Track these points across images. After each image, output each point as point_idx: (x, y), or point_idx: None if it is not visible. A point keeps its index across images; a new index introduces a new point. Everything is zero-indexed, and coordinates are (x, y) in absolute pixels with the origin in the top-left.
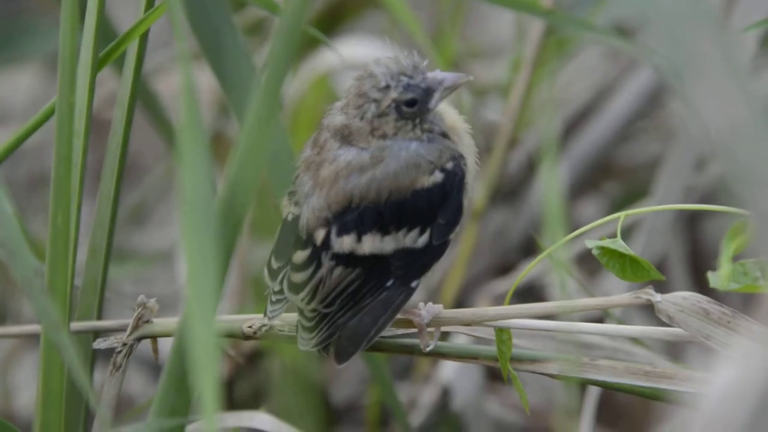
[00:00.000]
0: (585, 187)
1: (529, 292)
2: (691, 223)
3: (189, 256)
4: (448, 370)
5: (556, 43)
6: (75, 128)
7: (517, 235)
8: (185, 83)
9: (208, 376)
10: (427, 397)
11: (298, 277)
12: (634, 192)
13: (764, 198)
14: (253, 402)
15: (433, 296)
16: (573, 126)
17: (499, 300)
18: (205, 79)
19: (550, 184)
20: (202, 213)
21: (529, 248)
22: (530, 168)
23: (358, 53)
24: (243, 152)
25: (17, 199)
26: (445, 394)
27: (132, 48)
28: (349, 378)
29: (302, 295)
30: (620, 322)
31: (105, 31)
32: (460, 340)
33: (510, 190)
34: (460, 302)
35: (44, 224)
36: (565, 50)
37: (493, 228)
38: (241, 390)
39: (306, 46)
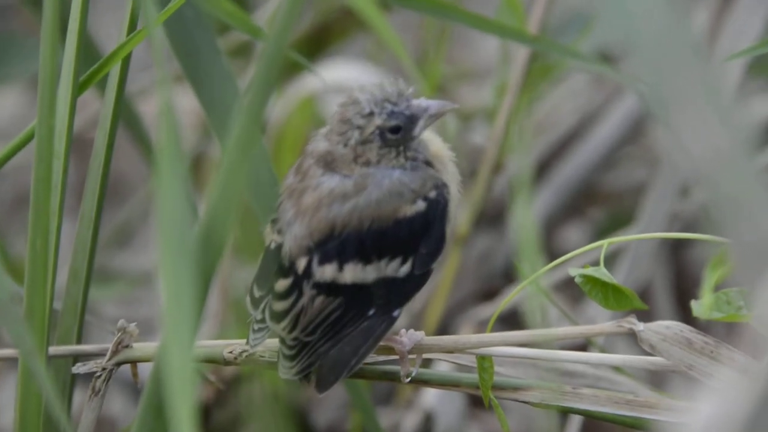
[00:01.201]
0: (569, 213)
1: (513, 318)
2: (675, 250)
3: (166, 282)
4: (430, 395)
5: (542, 68)
6: (55, 150)
7: (502, 261)
8: (164, 108)
9: (183, 403)
10: (409, 422)
11: (280, 305)
12: (619, 218)
13: (746, 227)
14: (232, 427)
15: (416, 322)
16: (558, 151)
17: (482, 326)
18: (189, 101)
19: (524, 216)
20: (180, 237)
21: (514, 274)
22: (515, 193)
23: (344, 76)
24: (224, 176)
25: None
26: (428, 420)
27: (114, 70)
28: (331, 403)
29: (283, 324)
30: (603, 350)
31: (88, 51)
32: (443, 367)
33: (494, 216)
34: (443, 328)
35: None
36: (551, 76)
37: (477, 253)
38: (221, 415)
39: (291, 68)
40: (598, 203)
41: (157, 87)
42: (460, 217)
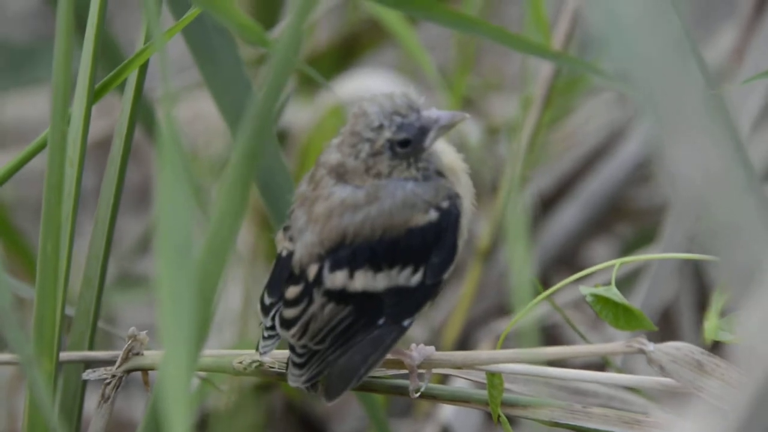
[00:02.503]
0: (596, 229)
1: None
2: (700, 268)
3: (164, 293)
4: (448, 410)
5: (567, 84)
6: (69, 156)
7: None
8: (167, 125)
9: (179, 418)
10: None
11: (290, 312)
12: (647, 234)
13: (739, 252)
14: None
15: (435, 336)
16: (586, 166)
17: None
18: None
19: (520, 255)
20: (181, 247)
21: (537, 290)
22: (541, 208)
23: (372, 86)
24: (230, 185)
25: (26, 223)
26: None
27: (132, 76)
28: (350, 414)
29: (293, 331)
30: (618, 370)
31: (111, 54)
32: (459, 383)
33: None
34: (463, 342)
35: None
36: (577, 91)
37: (500, 268)
38: (239, 424)
39: (323, 75)
40: (625, 219)
41: (162, 101)
42: (481, 230)
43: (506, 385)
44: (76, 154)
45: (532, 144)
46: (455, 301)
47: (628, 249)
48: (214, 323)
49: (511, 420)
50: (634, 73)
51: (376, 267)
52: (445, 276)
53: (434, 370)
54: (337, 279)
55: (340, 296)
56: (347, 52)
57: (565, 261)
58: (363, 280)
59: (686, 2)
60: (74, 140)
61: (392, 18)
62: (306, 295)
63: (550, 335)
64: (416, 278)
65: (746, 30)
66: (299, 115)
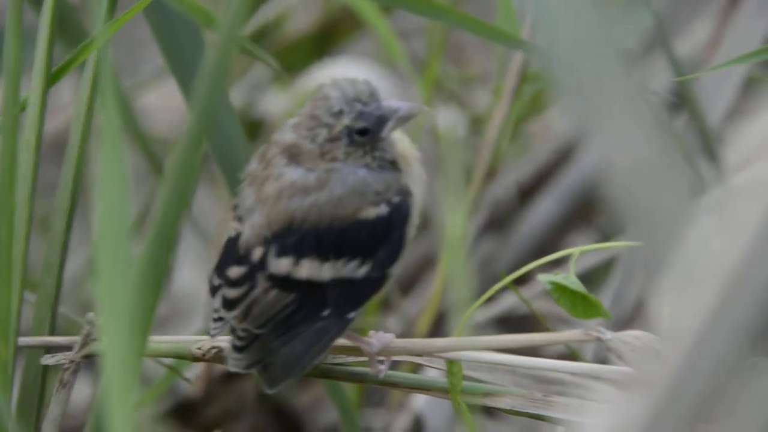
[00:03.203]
0: (574, 220)
1: (508, 322)
2: None
3: (103, 281)
4: (420, 399)
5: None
6: (26, 140)
7: (503, 265)
8: (106, 107)
9: (119, 411)
10: (400, 424)
11: (232, 293)
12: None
13: (660, 239)
14: (221, 425)
15: (409, 326)
16: (564, 157)
17: (478, 330)
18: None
19: (458, 265)
20: (119, 237)
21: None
22: (519, 197)
23: (348, 74)
24: (173, 176)
25: None
26: (418, 423)
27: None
28: (325, 403)
29: (235, 312)
30: (576, 356)
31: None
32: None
33: (496, 219)
34: (435, 333)
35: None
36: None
37: (479, 258)
38: (210, 412)
39: (298, 64)
40: (603, 211)
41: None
42: (456, 221)
43: (472, 373)
44: (32, 138)
45: (504, 135)
46: (429, 291)
47: (605, 240)
48: (182, 313)
49: (477, 408)
50: (559, 58)
51: (323, 257)
52: (392, 270)
53: (393, 358)
54: (282, 265)
55: (284, 283)
56: (324, 39)
57: (542, 252)
58: (308, 269)
59: None
60: (31, 123)
61: (365, 6)
62: (249, 278)
63: (526, 324)
64: (362, 271)
65: (721, 21)
66: (275, 102)
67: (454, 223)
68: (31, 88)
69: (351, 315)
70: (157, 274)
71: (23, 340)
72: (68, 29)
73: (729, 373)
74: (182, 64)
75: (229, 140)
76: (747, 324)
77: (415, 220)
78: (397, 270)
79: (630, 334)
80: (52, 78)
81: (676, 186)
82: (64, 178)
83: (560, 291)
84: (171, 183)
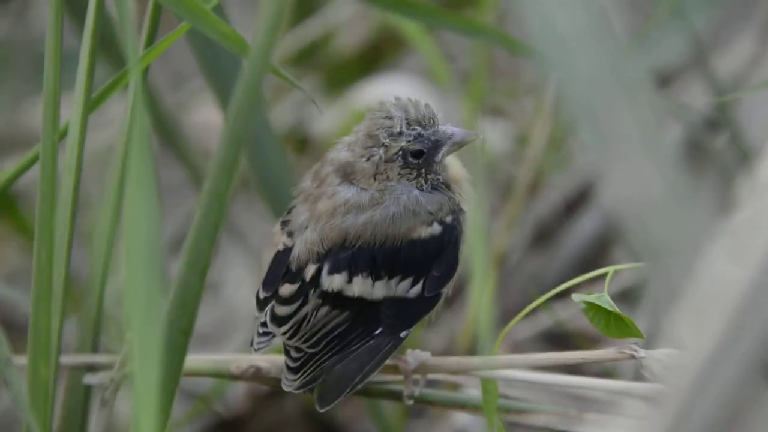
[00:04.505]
0: (618, 235)
1: (554, 338)
2: None
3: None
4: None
5: None
6: (68, 163)
7: (546, 280)
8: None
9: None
10: None
11: (283, 310)
12: None
13: (674, 265)
14: None
15: (451, 341)
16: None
17: (518, 346)
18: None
19: (482, 299)
20: (150, 260)
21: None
22: (565, 212)
23: (395, 90)
24: (207, 198)
25: None
26: None
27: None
28: (368, 420)
29: (284, 328)
30: (612, 375)
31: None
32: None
33: (540, 235)
34: (477, 347)
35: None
36: None
37: (525, 273)
38: (256, 427)
39: (347, 80)
40: None
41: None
42: (498, 235)
43: (508, 391)
44: (73, 162)
45: (547, 149)
46: (470, 307)
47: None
48: (228, 328)
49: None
50: (572, 89)
51: (376, 275)
52: (445, 290)
53: (429, 376)
54: (334, 282)
55: (335, 299)
56: (371, 56)
57: (588, 267)
58: (361, 287)
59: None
60: (71, 147)
61: (410, 26)
62: (301, 295)
63: (573, 340)
64: (415, 290)
65: (764, 37)
66: (322, 119)
67: (478, 254)
68: (72, 113)
69: (403, 333)
70: (192, 292)
71: (64, 359)
72: (113, 47)
73: (741, 396)
74: (222, 83)
75: (268, 159)
76: (758, 348)
77: (467, 240)
78: (449, 288)
79: (662, 352)
80: (93, 103)
81: (690, 218)
82: (107, 196)
83: (594, 310)
84: (205, 200)
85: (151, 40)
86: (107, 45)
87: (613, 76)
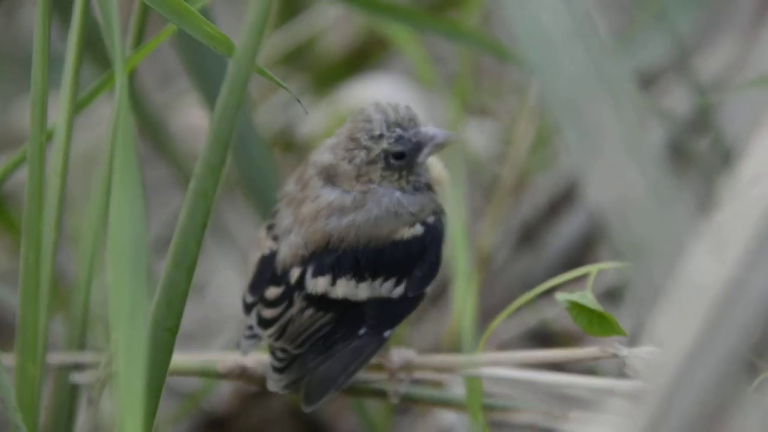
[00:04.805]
0: (604, 234)
1: (540, 336)
2: None
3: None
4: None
5: None
6: (54, 166)
7: (532, 280)
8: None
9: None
10: None
11: (269, 312)
12: None
13: (655, 264)
14: None
15: (437, 338)
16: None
17: (504, 345)
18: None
19: (464, 303)
20: (135, 260)
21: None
22: (550, 211)
23: (382, 92)
24: (192, 198)
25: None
26: None
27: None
28: (354, 418)
29: (270, 331)
30: (596, 372)
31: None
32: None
33: (525, 235)
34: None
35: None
36: None
37: (503, 271)
38: (242, 425)
39: (333, 81)
40: None
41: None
42: (483, 234)
43: (493, 389)
44: (59, 164)
45: (532, 148)
46: (456, 304)
47: None
48: (213, 327)
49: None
50: (555, 89)
51: (359, 276)
52: (427, 290)
53: (414, 375)
54: (318, 284)
55: (320, 302)
56: (357, 57)
57: (574, 265)
58: (344, 288)
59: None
60: (58, 149)
61: (396, 28)
62: (286, 298)
63: (559, 339)
64: (399, 290)
65: (747, 38)
66: (309, 120)
67: (460, 255)
68: (58, 115)
69: (387, 333)
70: (179, 291)
71: (51, 358)
72: (99, 49)
73: (721, 392)
74: (208, 84)
75: (254, 159)
76: (738, 345)
77: (449, 240)
78: (431, 288)
79: (646, 350)
80: (78, 105)
81: (672, 217)
82: (93, 196)
83: (577, 309)
84: (192, 199)
85: (138, 41)
86: (95, 46)
87: (597, 76)
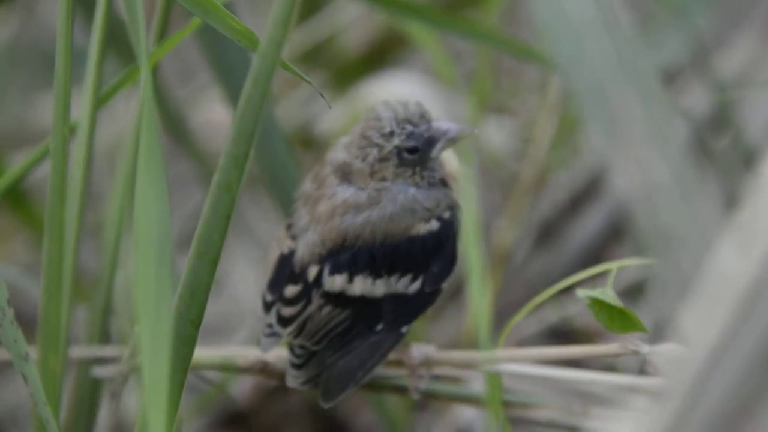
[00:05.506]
0: (623, 231)
1: (560, 334)
2: None
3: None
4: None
5: None
6: (76, 158)
7: (552, 277)
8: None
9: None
10: (446, 430)
11: (288, 311)
12: None
13: (682, 257)
14: None
15: (456, 334)
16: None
17: (523, 342)
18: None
19: (480, 301)
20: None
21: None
22: (570, 209)
23: (401, 89)
24: (215, 193)
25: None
26: (463, 429)
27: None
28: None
29: (290, 329)
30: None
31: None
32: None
33: (545, 232)
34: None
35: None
36: None
37: (523, 268)
38: (263, 420)
39: (354, 77)
40: None
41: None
42: (501, 231)
43: (512, 385)
44: (82, 157)
45: (552, 145)
46: (471, 302)
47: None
48: (233, 321)
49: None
50: (581, 79)
51: (376, 273)
52: (444, 285)
53: (434, 370)
54: (336, 282)
55: (338, 299)
56: (379, 54)
57: (595, 262)
58: (362, 286)
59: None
60: (81, 141)
61: (415, 26)
62: (305, 295)
63: (579, 335)
64: (415, 286)
65: (765, 37)
66: (328, 117)
67: (473, 254)
68: (81, 109)
69: (404, 329)
70: (202, 283)
71: (74, 352)
72: (122, 43)
73: (746, 390)
74: (230, 79)
75: (276, 154)
76: (763, 342)
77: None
78: (448, 284)
79: (666, 347)
80: (101, 99)
81: (699, 209)
82: (115, 189)
83: (598, 305)
84: (215, 192)
85: (161, 35)
86: (117, 40)
87: (622, 66)
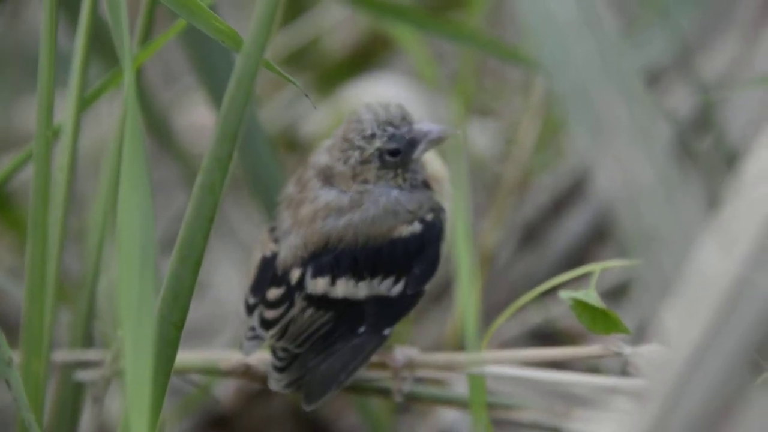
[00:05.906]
0: (607, 232)
1: (543, 335)
2: None
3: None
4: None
5: None
6: (60, 163)
7: (535, 279)
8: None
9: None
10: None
11: (270, 314)
12: None
13: (665, 258)
14: None
15: (440, 336)
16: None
17: (507, 344)
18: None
19: (468, 302)
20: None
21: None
22: (554, 210)
23: (385, 91)
24: (198, 194)
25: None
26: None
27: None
28: (355, 415)
29: (272, 331)
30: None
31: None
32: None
33: (528, 234)
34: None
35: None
36: None
37: (506, 270)
38: (245, 423)
39: (338, 80)
40: None
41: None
42: (485, 232)
43: (495, 387)
44: (66, 161)
45: (536, 148)
46: (457, 305)
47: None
48: (216, 323)
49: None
50: (565, 78)
51: (358, 275)
52: (426, 287)
53: (417, 373)
54: (318, 285)
55: (320, 302)
56: (363, 57)
57: (578, 264)
58: (344, 288)
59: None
60: (65, 145)
61: (399, 28)
62: (287, 298)
63: (562, 337)
64: (397, 288)
65: (751, 36)
66: (311, 119)
67: (463, 253)
68: (65, 112)
69: (386, 331)
70: (184, 286)
71: (56, 355)
72: (107, 45)
73: (727, 391)
74: (214, 81)
75: (259, 156)
76: (744, 343)
77: (448, 236)
78: (430, 286)
79: (648, 348)
80: (85, 102)
81: (681, 208)
82: (99, 192)
83: (581, 307)
84: (198, 194)
85: (145, 37)
86: (102, 42)
87: (606, 66)
